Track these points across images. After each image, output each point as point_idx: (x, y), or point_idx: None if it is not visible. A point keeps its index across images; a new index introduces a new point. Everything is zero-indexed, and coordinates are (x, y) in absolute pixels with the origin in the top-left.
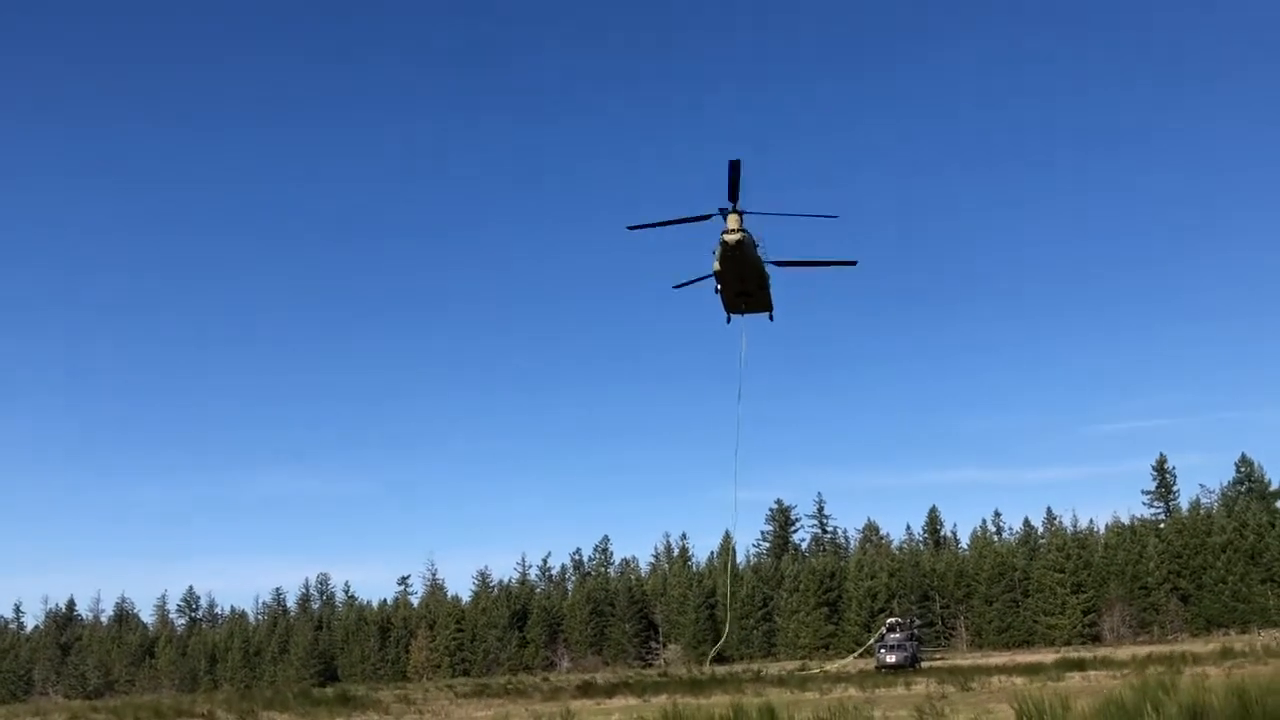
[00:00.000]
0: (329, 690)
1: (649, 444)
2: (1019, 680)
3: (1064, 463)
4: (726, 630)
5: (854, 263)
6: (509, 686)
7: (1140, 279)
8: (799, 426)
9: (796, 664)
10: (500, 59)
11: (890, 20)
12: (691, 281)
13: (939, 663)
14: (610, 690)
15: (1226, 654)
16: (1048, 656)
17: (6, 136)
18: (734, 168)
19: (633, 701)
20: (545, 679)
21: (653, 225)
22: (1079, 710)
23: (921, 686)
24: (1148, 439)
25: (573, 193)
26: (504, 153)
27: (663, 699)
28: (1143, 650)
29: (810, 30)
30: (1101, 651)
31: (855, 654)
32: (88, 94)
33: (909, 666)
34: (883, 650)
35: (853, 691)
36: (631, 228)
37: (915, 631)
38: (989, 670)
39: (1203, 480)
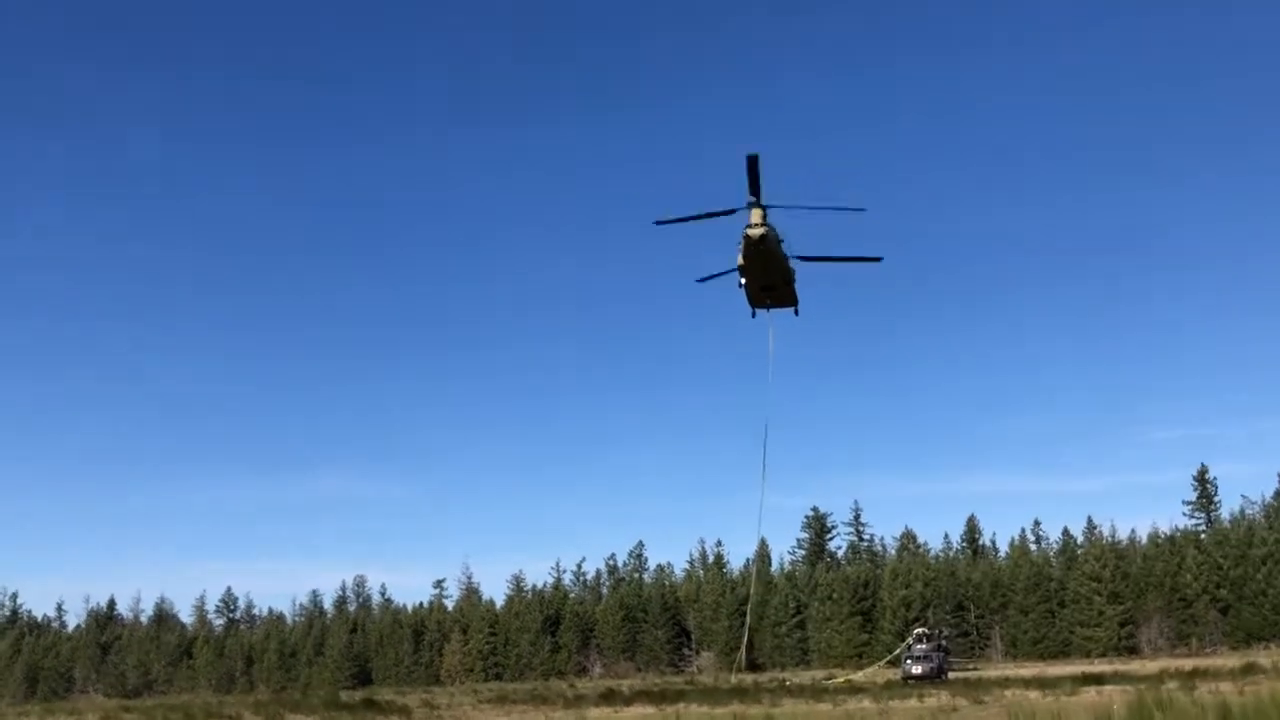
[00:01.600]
0: (357, 694)
1: (686, 448)
2: (1033, 694)
3: (1106, 471)
4: (745, 638)
5: (879, 259)
6: (534, 693)
7: (1183, 284)
8: (837, 432)
9: (825, 673)
10: (506, 60)
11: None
12: (716, 275)
13: (969, 674)
14: (630, 698)
15: (1249, 670)
16: (1080, 668)
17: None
18: (752, 163)
19: (649, 710)
20: (571, 685)
21: (680, 220)
22: None
23: (934, 699)
24: (1191, 447)
25: (600, 193)
26: (529, 156)
27: (679, 708)
28: (1174, 663)
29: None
30: (1134, 664)
31: (880, 664)
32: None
33: (935, 677)
34: (909, 661)
35: (867, 703)
36: (659, 222)
37: (943, 642)
38: (1007, 683)
39: (1246, 491)
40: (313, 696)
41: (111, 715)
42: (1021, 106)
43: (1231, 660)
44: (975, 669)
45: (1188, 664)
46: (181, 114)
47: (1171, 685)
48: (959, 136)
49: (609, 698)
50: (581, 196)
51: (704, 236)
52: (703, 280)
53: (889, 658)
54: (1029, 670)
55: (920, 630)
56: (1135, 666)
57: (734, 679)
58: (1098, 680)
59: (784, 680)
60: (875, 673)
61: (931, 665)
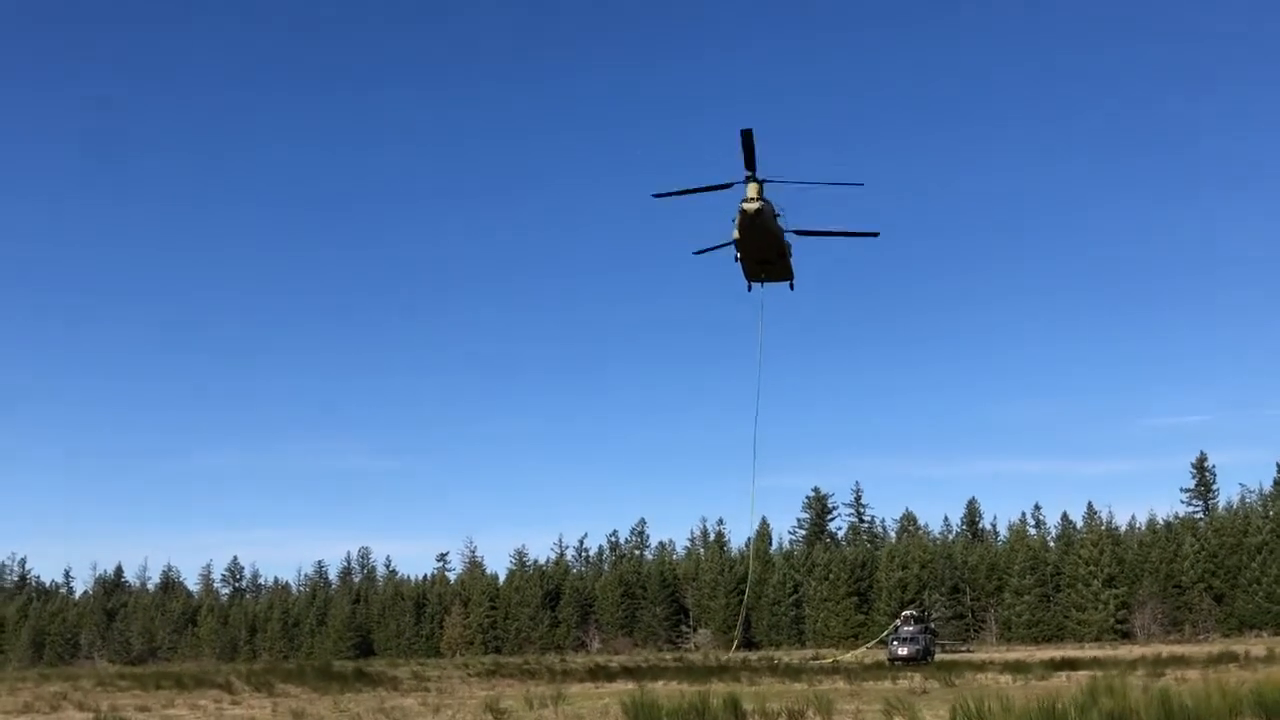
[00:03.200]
0: (350, 665)
1: (692, 425)
2: (1005, 678)
3: (1108, 457)
4: (742, 616)
5: (876, 234)
6: (523, 667)
7: (1187, 270)
8: (840, 412)
9: (813, 653)
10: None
11: None
12: (713, 248)
13: (959, 656)
14: (615, 675)
15: (1223, 658)
16: (1066, 653)
17: None
18: (746, 137)
19: (630, 686)
20: (562, 660)
21: (676, 194)
22: (1018, 711)
23: (907, 681)
24: (1191, 435)
25: (601, 167)
26: (524, 129)
27: (658, 684)
28: (1160, 650)
29: None
30: (1122, 649)
31: (870, 644)
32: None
33: (922, 660)
34: (895, 642)
35: (841, 684)
36: (656, 196)
37: (930, 624)
38: (987, 667)
39: (1244, 480)
40: (306, 666)
41: (107, 681)
42: (1031, 74)
43: (1216, 648)
44: (969, 651)
45: (1168, 650)
46: None
47: (1140, 672)
48: (970, 115)
49: (595, 674)
50: (577, 170)
51: (702, 210)
52: (700, 252)
53: (879, 639)
54: (1017, 654)
55: (908, 612)
56: (1123, 652)
57: (726, 657)
58: (1073, 665)
59: (773, 659)
60: (864, 653)
61: (917, 647)
